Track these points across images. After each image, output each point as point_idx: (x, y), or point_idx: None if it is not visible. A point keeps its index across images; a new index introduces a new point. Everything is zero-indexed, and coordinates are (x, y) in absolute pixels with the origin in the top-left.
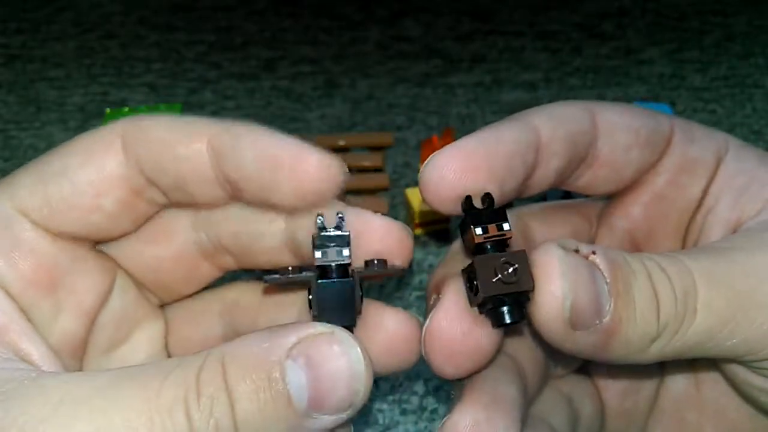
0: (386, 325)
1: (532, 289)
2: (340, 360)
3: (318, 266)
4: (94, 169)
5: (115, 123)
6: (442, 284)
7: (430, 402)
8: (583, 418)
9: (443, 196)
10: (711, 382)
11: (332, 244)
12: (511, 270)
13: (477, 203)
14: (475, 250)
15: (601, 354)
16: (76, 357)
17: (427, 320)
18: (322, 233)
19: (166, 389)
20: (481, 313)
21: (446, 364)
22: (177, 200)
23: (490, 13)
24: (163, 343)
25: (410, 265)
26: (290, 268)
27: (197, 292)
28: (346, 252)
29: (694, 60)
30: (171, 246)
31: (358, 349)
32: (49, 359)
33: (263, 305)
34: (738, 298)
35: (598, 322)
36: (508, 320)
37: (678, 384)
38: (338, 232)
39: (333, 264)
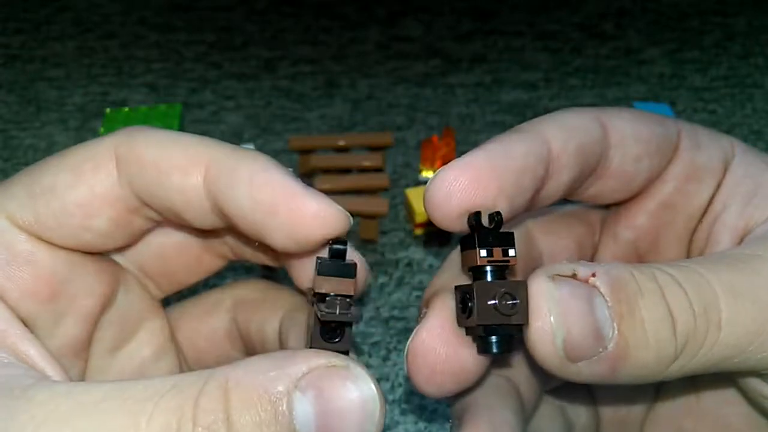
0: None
1: (526, 324)
2: (352, 397)
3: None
4: (84, 189)
5: (110, 138)
6: (432, 298)
7: (430, 402)
8: (578, 428)
9: (450, 214)
10: (712, 389)
11: (338, 302)
12: (510, 302)
13: (484, 219)
14: (472, 270)
15: (612, 380)
16: (80, 358)
17: (411, 336)
18: (328, 261)
19: (157, 414)
20: (468, 335)
21: (428, 384)
22: (172, 222)
23: (490, 13)
24: (167, 338)
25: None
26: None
27: (198, 287)
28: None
29: (694, 60)
30: (178, 233)
31: (373, 387)
32: (49, 362)
33: (263, 301)
34: (766, 311)
35: (601, 349)
36: (494, 350)
37: (676, 391)
38: (343, 262)
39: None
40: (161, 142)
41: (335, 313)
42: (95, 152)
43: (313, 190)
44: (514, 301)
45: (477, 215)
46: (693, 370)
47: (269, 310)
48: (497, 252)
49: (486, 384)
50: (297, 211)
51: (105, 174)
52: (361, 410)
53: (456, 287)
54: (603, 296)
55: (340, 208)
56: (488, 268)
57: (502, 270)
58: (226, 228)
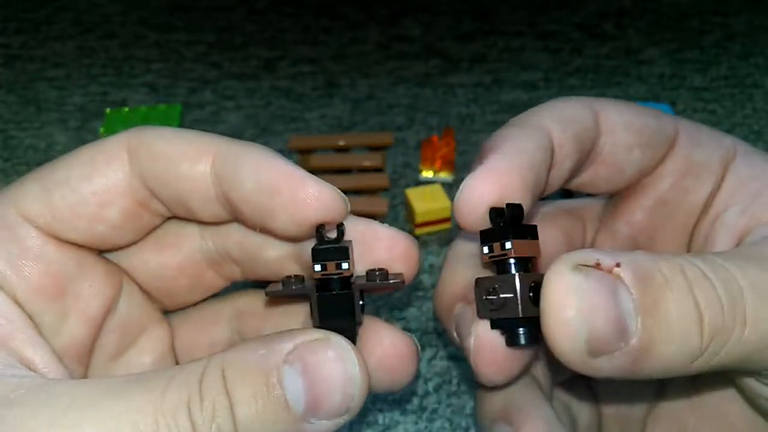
0: (383, 343)
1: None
2: (335, 364)
3: (317, 278)
4: (98, 180)
5: (121, 134)
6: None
7: (430, 402)
8: (581, 425)
9: (482, 219)
10: (711, 385)
11: (331, 257)
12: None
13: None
14: (499, 264)
15: (632, 375)
16: (81, 363)
17: (471, 333)
18: (321, 246)
19: (170, 393)
20: (494, 328)
21: (495, 374)
22: (178, 214)
23: (490, 13)
24: (168, 348)
25: (416, 276)
26: (293, 278)
27: (202, 301)
28: (345, 265)
29: (694, 60)
30: (178, 254)
31: (353, 354)
32: (53, 367)
33: (270, 312)
34: None
35: (623, 344)
36: (522, 342)
37: (679, 389)
38: (337, 245)
39: (333, 276)
40: (170, 135)
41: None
42: (108, 147)
43: (313, 176)
44: None
45: (503, 211)
46: (715, 366)
47: (283, 317)
48: (531, 245)
49: (522, 381)
50: (299, 193)
51: (118, 166)
52: (343, 375)
53: (479, 280)
54: (628, 288)
55: (339, 191)
56: (512, 261)
57: (527, 262)
58: (228, 217)
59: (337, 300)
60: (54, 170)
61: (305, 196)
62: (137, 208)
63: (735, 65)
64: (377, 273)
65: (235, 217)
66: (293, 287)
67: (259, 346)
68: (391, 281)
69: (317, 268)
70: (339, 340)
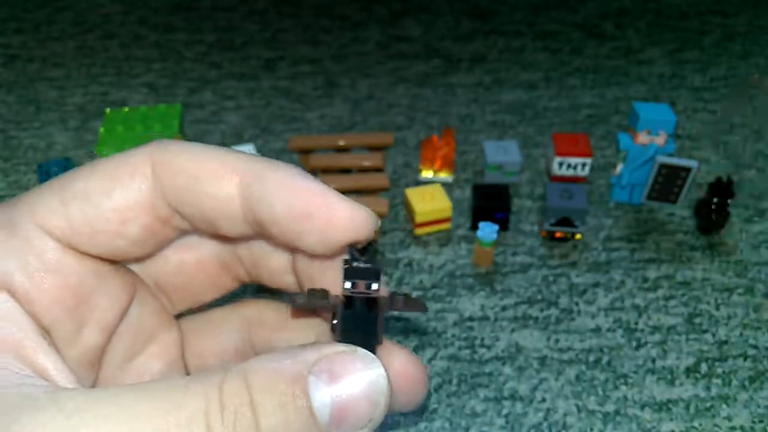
0: (394, 365)
1: None
2: (362, 375)
3: (345, 295)
4: (120, 195)
5: (146, 147)
6: None
7: (431, 402)
8: None
9: None
10: None
11: (363, 277)
12: None
13: None
14: None
15: None
16: (94, 368)
17: None
18: (354, 264)
19: (186, 401)
20: None
21: None
22: (202, 230)
23: (490, 13)
24: (179, 354)
25: (426, 308)
26: (318, 292)
27: (213, 304)
28: (375, 286)
29: (694, 60)
30: (197, 252)
31: (380, 365)
32: (65, 375)
33: (282, 323)
34: None
35: None
36: None
37: None
38: (370, 266)
39: (361, 295)
40: (195, 151)
41: (360, 290)
42: (131, 160)
43: (343, 196)
44: None
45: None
46: None
47: (294, 329)
48: None
49: None
50: (331, 216)
51: (141, 180)
52: (370, 385)
53: None
54: None
55: (368, 210)
56: None
57: None
58: (254, 235)
59: (361, 318)
60: (73, 181)
61: (337, 220)
62: (159, 225)
63: (735, 65)
64: (400, 297)
65: (261, 235)
66: (320, 301)
67: (283, 356)
68: (413, 307)
69: (347, 285)
70: (365, 352)
